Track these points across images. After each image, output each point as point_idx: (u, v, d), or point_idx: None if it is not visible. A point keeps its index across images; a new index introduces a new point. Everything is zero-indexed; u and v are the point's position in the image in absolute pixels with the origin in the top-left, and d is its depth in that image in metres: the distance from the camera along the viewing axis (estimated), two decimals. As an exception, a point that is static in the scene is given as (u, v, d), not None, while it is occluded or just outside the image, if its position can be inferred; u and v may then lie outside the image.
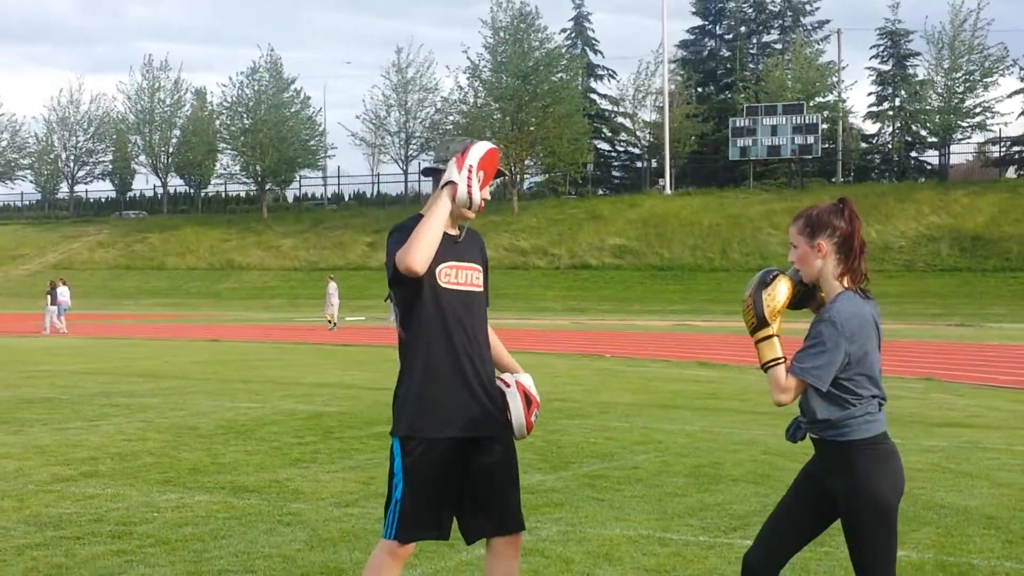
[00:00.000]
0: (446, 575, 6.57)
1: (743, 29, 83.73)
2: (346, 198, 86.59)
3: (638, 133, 78.86)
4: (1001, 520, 7.89)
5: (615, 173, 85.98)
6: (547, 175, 77.90)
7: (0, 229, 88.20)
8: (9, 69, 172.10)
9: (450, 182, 4.51)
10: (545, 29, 73.50)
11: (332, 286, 38.62)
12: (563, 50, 75.68)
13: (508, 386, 4.78)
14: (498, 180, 4.86)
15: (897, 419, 13.71)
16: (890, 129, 77.83)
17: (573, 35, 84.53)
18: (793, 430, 4.32)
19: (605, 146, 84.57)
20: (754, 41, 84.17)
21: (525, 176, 76.70)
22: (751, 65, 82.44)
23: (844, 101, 75.08)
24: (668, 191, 71.74)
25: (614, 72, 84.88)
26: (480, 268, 4.81)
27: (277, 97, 79.90)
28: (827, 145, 71.46)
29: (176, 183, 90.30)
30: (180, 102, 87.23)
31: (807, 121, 66.79)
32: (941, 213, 61.28)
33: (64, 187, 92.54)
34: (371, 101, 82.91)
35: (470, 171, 4.50)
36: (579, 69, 76.29)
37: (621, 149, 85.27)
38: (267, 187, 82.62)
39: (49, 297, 38.29)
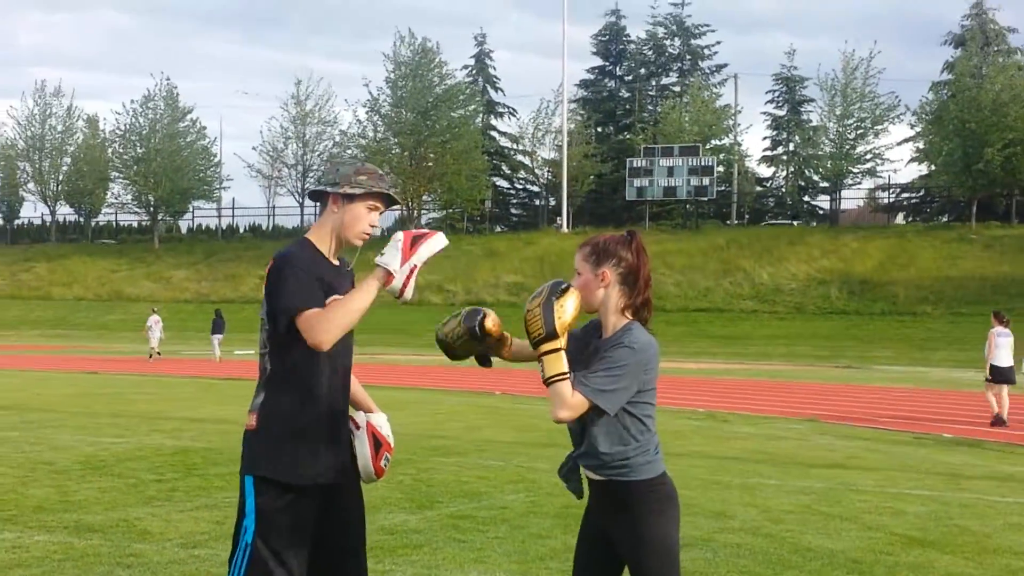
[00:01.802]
0: None
1: (643, 71, 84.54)
2: (241, 230, 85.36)
3: (537, 171, 79.10)
4: (865, 564, 7.76)
5: (513, 211, 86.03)
6: (445, 211, 77.67)
7: None
8: None
9: (386, 270, 4.15)
10: (446, 65, 73.59)
11: (154, 318, 40.00)
12: (464, 86, 75.67)
13: (358, 428, 4.48)
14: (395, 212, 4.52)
15: (776, 460, 13.67)
16: (784, 173, 79.10)
17: (475, 72, 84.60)
18: (567, 470, 4.12)
19: (504, 183, 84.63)
20: (653, 83, 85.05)
21: (423, 212, 76.38)
22: (650, 107, 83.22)
23: (740, 144, 76.17)
24: (565, 229, 71.92)
25: (514, 110, 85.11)
26: None
27: (172, 127, 78.66)
28: (722, 187, 72.32)
29: (66, 211, 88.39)
30: (72, 129, 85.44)
31: (703, 163, 67.51)
32: (831, 257, 62.26)
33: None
34: (268, 133, 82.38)
35: (412, 270, 4.16)
36: (479, 105, 76.31)
37: (520, 187, 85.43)
38: (160, 217, 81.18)
39: None
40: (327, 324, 4.10)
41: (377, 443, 4.45)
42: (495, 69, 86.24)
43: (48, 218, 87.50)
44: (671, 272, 60.56)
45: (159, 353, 39.30)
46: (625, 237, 4.15)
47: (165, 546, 7.96)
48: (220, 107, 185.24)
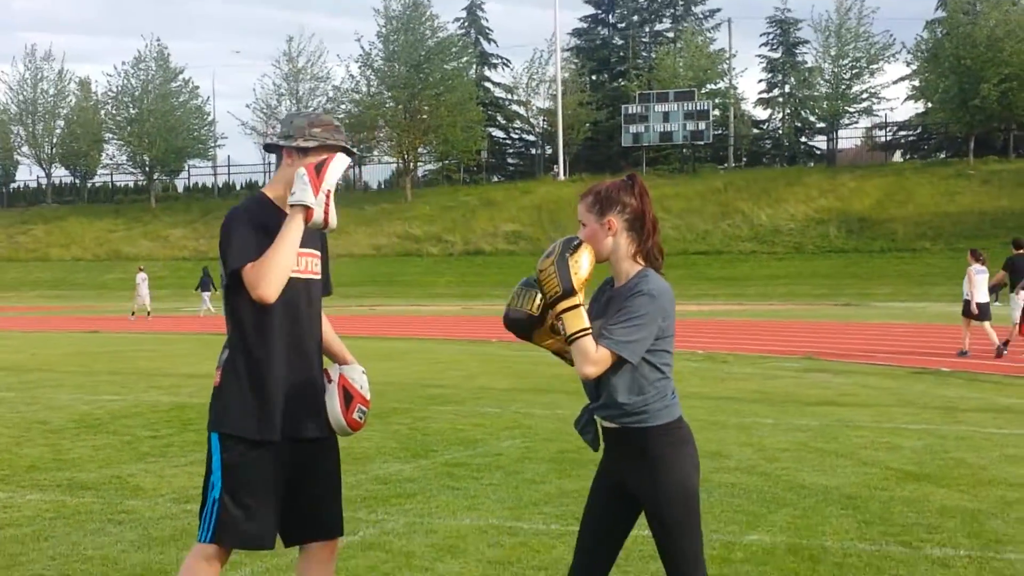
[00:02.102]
0: (276, 573, 6.18)
1: (635, 18, 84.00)
2: (237, 187, 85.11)
3: (532, 120, 78.78)
4: (860, 500, 7.74)
5: (510, 160, 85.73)
6: (441, 163, 77.41)
7: None
8: None
9: (303, 205, 4.08)
10: (437, 18, 73.12)
11: (141, 276, 39.79)
12: (456, 39, 75.17)
13: (330, 381, 4.42)
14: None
15: (772, 399, 13.65)
16: (780, 115, 78.75)
17: (466, 24, 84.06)
18: (584, 422, 4.04)
19: (500, 133, 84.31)
20: (647, 30, 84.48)
21: (419, 164, 76.13)
22: (644, 54, 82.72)
23: (735, 88, 75.83)
24: (562, 177, 71.71)
25: (508, 61, 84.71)
26: (319, 254, 4.45)
27: (164, 87, 78.32)
28: (719, 131, 72.02)
29: (61, 174, 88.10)
30: (64, 92, 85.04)
31: (698, 108, 67.23)
32: (829, 196, 62.09)
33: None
34: (261, 90, 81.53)
35: (327, 196, 4.09)
36: (472, 57, 75.88)
37: (516, 136, 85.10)
38: (155, 177, 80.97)
39: None
40: (263, 275, 4.05)
41: (348, 396, 4.38)
42: (487, 20, 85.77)
43: (44, 181, 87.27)
44: (669, 216, 60.40)
45: (148, 312, 38.91)
46: (626, 182, 4.03)
47: (157, 501, 7.94)
48: (213, 66, 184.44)
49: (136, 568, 6.21)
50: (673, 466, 3.88)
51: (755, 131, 78.64)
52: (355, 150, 4.52)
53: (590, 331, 3.82)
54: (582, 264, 3.86)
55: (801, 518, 7.18)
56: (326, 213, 4.11)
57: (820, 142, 75.85)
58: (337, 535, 4.45)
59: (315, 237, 4.41)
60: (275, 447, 4.20)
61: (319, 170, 4.12)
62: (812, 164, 73.19)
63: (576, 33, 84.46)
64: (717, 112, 71.30)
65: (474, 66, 77.93)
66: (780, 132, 78.28)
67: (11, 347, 24.77)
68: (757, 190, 62.92)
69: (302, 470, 4.30)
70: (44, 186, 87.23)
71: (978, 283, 19.26)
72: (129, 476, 8.93)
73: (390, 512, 7.54)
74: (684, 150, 71.98)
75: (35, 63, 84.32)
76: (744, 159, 76.08)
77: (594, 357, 3.80)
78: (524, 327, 4.04)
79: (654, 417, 3.90)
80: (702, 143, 69.45)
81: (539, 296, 3.98)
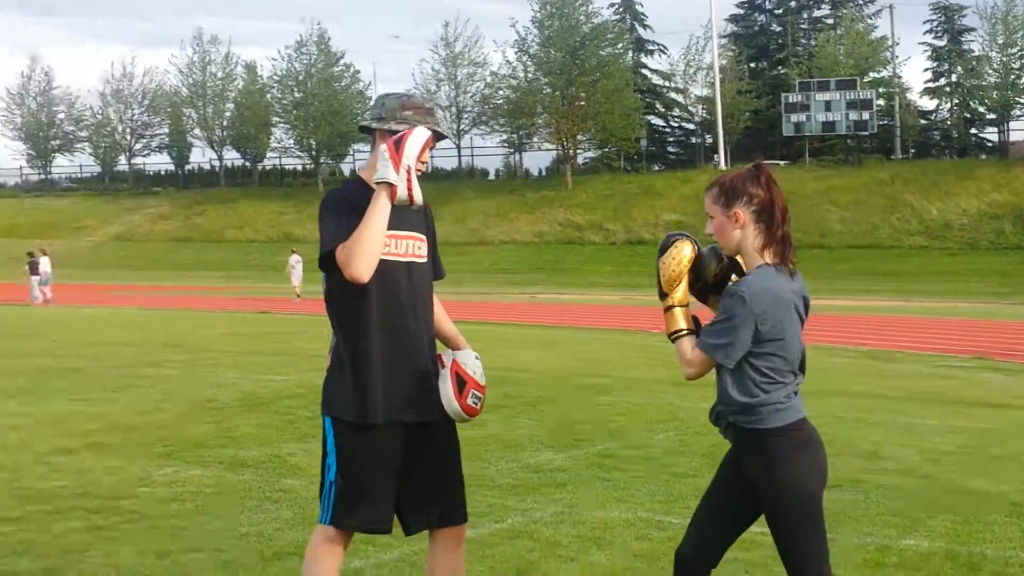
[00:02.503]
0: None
1: (793, 4, 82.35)
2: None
3: (691, 108, 77.92)
4: (1025, 507, 7.45)
5: (670, 149, 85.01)
6: (600, 150, 77.18)
7: (62, 201, 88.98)
8: (63, 43, 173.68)
9: (386, 182, 4.11)
10: (592, 3, 72.71)
11: (295, 258, 41.56)
12: (611, 24, 74.78)
13: (443, 367, 4.42)
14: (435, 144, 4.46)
15: (937, 398, 13.27)
16: (948, 105, 76.24)
17: (621, 9, 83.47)
18: (716, 415, 4.00)
19: (659, 121, 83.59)
20: (805, 16, 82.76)
21: (578, 151, 76.06)
22: (803, 40, 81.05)
23: (899, 77, 73.59)
24: (723, 166, 70.78)
25: (664, 47, 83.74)
26: (424, 237, 4.45)
27: (326, 71, 79.68)
28: (884, 121, 70.09)
29: (233, 156, 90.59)
30: (231, 75, 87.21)
31: (861, 97, 65.50)
32: (1003, 190, 59.86)
33: (123, 160, 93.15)
34: (421, 76, 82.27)
35: (408, 172, 4.11)
36: (627, 43, 75.32)
37: (675, 124, 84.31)
38: (321, 161, 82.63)
39: (29, 268, 38.91)
40: (353, 254, 4.07)
41: (461, 381, 4.35)
42: (642, 6, 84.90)
43: (216, 163, 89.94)
44: (836, 208, 59.16)
45: (298, 295, 39.60)
46: (753, 171, 3.96)
47: (314, 481, 8.05)
48: (373, 51, 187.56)
49: (289, 546, 6.36)
50: (787, 469, 3.81)
51: (922, 122, 76.31)
52: (446, 133, 4.53)
53: (684, 332, 3.83)
54: (668, 265, 3.90)
55: (962, 524, 6.95)
56: (409, 188, 4.11)
57: (991, 133, 73.22)
58: (459, 522, 4.44)
59: (419, 220, 4.42)
60: (383, 431, 4.22)
61: (398, 146, 4.13)
62: (983, 156, 70.70)
63: (733, 19, 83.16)
64: (881, 102, 69.41)
65: (630, 52, 77.33)
66: (949, 123, 75.81)
67: (183, 326, 25.63)
68: (926, 183, 61.02)
69: (415, 455, 4.31)
70: (217, 169, 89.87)
71: None
72: (288, 455, 9.16)
73: (539, 501, 7.57)
74: (848, 140, 70.31)
75: (202, 46, 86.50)
76: (912, 150, 73.96)
77: (689, 358, 3.85)
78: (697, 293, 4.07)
79: (767, 420, 3.84)
80: (866, 133, 67.70)
81: (715, 262, 4.01)
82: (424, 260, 4.43)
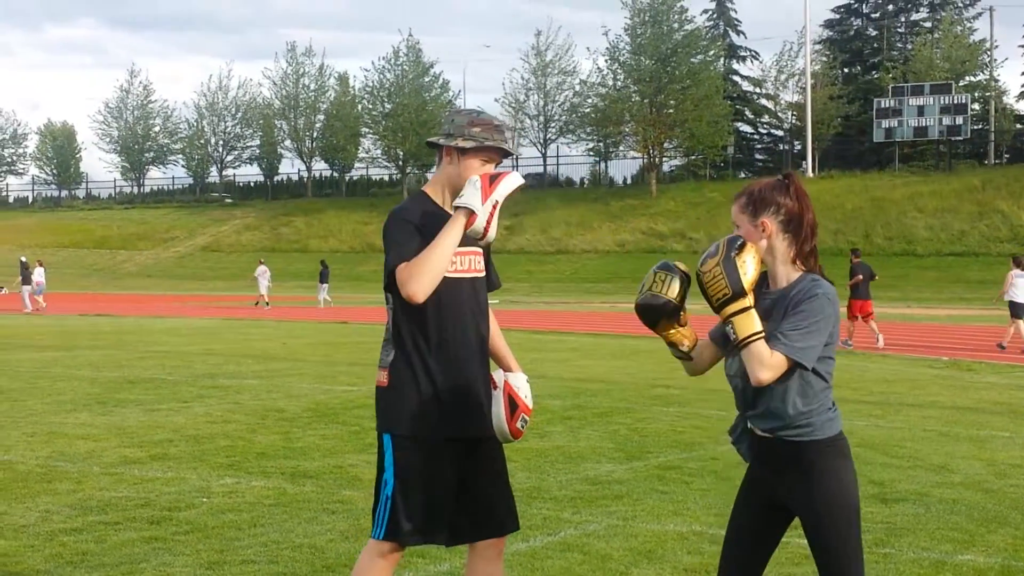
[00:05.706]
0: None
1: (890, 7, 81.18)
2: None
3: (780, 115, 77.16)
4: (1093, 525, 7.25)
5: (757, 156, 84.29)
6: (687, 158, 76.75)
7: (153, 212, 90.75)
8: (161, 57, 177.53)
9: (469, 209, 4.14)
10: (686, 11, 72.33)
11: (261, 268, 44.26)
12: (703, 31, 74.34)
13: (496, 388, 4.44)
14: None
15: (1014, 410, 12.99)
16: (1046, 109, 74.56)
17: (715, 16, 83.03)
18: (739, 432, 3.91)
19: (747, 128, 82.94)
20: (902, 20, 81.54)
21: (664, 159, 75.70)
22: (899, 44, 79.87)
23: (996, 80, 72.19)
24: (810, 174, 69.94)
25: (756, 53, 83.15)
26: (480, 251, 4.48)
27: (417, 81, 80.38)
28: (977, 126, 68.72)
29: (321, 167, 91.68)
30: (323, 87, 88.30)
31: (956, 101, 64.27)
32: (1101, 197, 58.39)
33: (214, 171, 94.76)
34: (510, 85, 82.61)
35: (494, 207, 4.15)
36: (719, 50, 74.85)
37: (764, 131, 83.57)
38: (408, 171, 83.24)
39: (22, 277, 40.21)
40: (414, 274, 4.09)
41: (513, 404, 4.38)
42: (736, 12, 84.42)
43: (304, 174, 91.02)
44: (922, 215, 58.14)
45: (267, 303, 42.22)
46: (781, 181, 3.92)
47: (372, 492, 8.15)
48: (463, 61, 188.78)
49: (341, 558, 6.40)
50: (838, 481, 3.75)
51: (1018, 126, 74.69)
52: (513, 151, 4.53)
53: (762, 335, 3.69)
54: (749, 264, 3.75)
55: (1022, 539, 6.78)
56: (488, 222, 4.14)
57: (1090, 139, 71.45)
58: (506, 532, 4.48)
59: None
60: (442, 446, 4.27)
61: (492, 180, 4.17)
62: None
63: (828, 24, 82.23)
64: (976, 106, 68.07)
65: (722, 59, 76.88)
66: (1046, 127, 74.05)
67: (263, 336, 25.97)
68: (1018, 189, 59.66)
69: (470, 470, 4.35)
70: (305, 179, 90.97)
71: (1015, 284, 21.84)
72: (350, 466, 9.22)
73: (594, 513, 7.53)
74: (940, 146, 69.05)
75: (296, 59, 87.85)
76: (1006, 156, 72.42)
77: (769, 362, 3.67)
78: (658, 314, 3.93)
79: (818, 430, 3.77)
80: (959, 138, 66.41)
81: (678, 282, 3.89)
82: (483, 275, 4.48)
